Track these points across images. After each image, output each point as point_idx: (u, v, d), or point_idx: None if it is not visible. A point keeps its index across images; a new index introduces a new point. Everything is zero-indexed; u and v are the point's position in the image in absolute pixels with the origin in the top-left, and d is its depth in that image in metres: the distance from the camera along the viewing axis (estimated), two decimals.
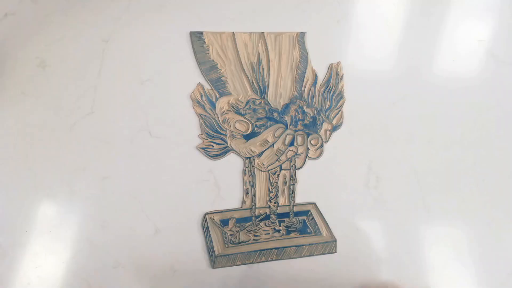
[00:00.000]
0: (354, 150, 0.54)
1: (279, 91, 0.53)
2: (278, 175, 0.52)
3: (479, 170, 0.57)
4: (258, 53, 0.53)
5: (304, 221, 0.52)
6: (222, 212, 0.50)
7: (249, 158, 0.51)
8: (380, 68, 0.56)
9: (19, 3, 0.48)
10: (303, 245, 0.50)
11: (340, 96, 0.54)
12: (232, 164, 0.51)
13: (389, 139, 0.55)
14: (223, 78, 0.51)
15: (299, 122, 0.52)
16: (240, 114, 0.51)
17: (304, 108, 0.53)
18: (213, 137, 0.51)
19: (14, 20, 0.48)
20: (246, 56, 0.52)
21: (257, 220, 0.51)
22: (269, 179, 0.52)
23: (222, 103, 0.51)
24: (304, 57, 0.53)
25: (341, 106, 0.54)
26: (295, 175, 0.52)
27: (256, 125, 0.51)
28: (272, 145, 0.51)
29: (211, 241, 0.48)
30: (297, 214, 0.52)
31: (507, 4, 0.61)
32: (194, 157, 0.50)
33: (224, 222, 0.50)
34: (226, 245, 0.49)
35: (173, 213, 0.49)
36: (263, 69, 0.52)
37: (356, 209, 0.53)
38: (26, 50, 0.48)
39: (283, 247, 0.50)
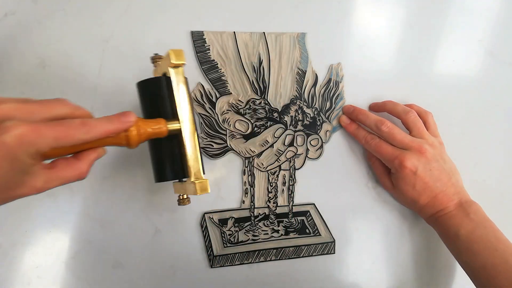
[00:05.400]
0: (354, 151, 0.54)
1: (279, 91, 0.53)
2: (277, 175, 0.52)
3: (479, 170, 0.57)
4: (259, 53, 0.52)
5: (303, 221, 0.52)
6: (221, 211, 0.50)
7: (249, 158, 0.51)
8: (380, 69, 0.56)
9: (19, 3, 0.48)
10: (302, 245, 0.51)
11: (340, 97, 0.54)
12: (232, 164, 0.51)
13: None
14: (223, 78, 0.51)
15: (299, 123, 0.52)
16: (240, 114, 0.51)
17: (304, 108, 0.53)
18: (212, 136, 0.51)
19: (14, 20, 0.48)
20: (247, 56, 0.52)
21: (256, 220, 0.51)
22: (269, 179, 0.52)
23: (222, 103, 0.51)
24: (304, 58, 0.53)
25: (341, 107, 0.54)
26: (294, 175, 0.52)
27: (256, 125, 0.51)
28: (272, 145, 0.52)
29: (210, 240, 0.49)
30: (296, 214, 0.52)
31: (507, 4, 0.61)
32: None
33: (223, 222, 0.50)
34: (224, 245, 0.49)
35: (173, 213, 0.49)
36: (263, 69, 0.52)
37: (356, 209, 0.53)
38: (26, 50, 0.48)
39: (282, 248, 0.50)
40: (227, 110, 0.51)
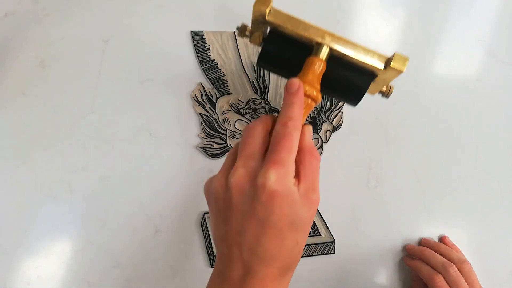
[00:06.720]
0: (354, 150, 0.54)
1: (279, 91, 0.53)
2: None
3: (479, 170, 0.57)
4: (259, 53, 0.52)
5: None
6: None
7: None
8: None
9: (19, 3, 0.48)
10: None
11: None
12: None
13: (389, 139, 0.55)
14: (223, 78, 0.51)
15: None
16: (240, 113, 0.51)
17: None
18: (213, 136, 0.51)
19: (14, 20, 0.48)
20: (247, 56, 0.52)
21: None
22: None
23: (222, 103, 0.51)
24: None
25: (341, 107, 0.54)
26: None
27: None
28: None
29: (210, 240, 0.48)
30: None
31: (507, 4, 0.61)
32: (194, 157, 0.50)
33: None
34: None
35: (173, 213, 0.49)
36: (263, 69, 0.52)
37: (356, 209, 0.53)
38: (26, 50, 0.48)
39: None
40: (227, 110, 0.51)
